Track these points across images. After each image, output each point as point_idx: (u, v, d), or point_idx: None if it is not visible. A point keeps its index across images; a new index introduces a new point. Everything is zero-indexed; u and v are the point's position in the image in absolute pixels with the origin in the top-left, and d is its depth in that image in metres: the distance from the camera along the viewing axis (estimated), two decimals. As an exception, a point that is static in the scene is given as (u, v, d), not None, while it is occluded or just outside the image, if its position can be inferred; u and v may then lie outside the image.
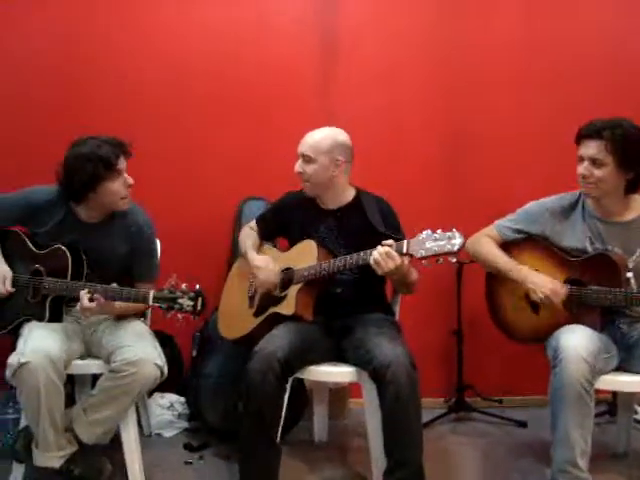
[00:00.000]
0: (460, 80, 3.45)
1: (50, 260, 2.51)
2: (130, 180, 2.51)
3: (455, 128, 3.46)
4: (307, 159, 2.60)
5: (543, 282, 2.46)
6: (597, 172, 2.40)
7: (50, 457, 2.34)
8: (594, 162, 2.40)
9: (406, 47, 3.43)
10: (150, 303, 2.34)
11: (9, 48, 3.27)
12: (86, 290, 2.38)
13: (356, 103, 3.40)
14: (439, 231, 2.17)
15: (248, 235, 2.85)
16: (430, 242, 2.17)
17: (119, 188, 2.49)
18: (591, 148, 2.40)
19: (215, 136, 3.39)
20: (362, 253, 2.35)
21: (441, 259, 2.17)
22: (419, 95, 3.44)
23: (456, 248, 2.13)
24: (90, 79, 3.31)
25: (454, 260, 2.17)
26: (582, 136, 2.43)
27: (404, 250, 2.23)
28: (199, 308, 2.30)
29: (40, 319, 2.49)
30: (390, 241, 2.29)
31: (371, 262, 2.29)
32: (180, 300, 2.28)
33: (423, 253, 2.18)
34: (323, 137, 2.62)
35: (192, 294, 2.30)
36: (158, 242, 2.80)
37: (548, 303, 2.45)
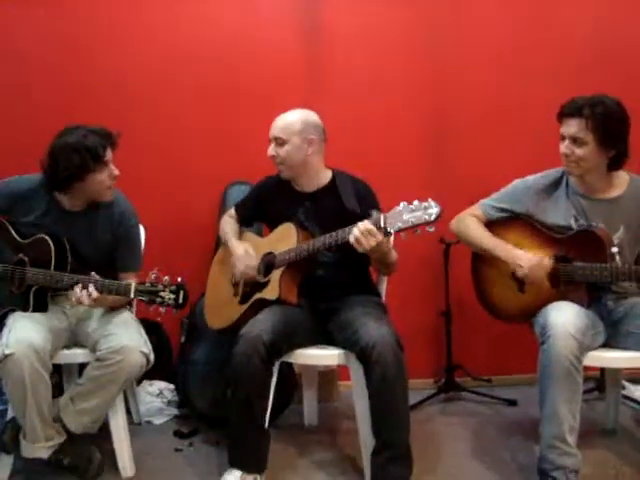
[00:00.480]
0: (443, 60, 3.43)
1: (33, 250, 2.49)
2: (116, 171, 2.49)
3: (438, 108, 3.44)
4: (279, 141, 2.60)
5: (527, 256, 2.46)
6: (578, 151, 2.39)
7: (38, 448, 2.34)
8: (575, 140, 2.39)
9: (390, 28, 3.40)
10: (132, 296, 2.31)
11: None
12: (80, 285, 2.35)
13: (341, 85, 3.37)
14: (415, 202, 2.15)
15: (227, 223, 2.84)
16: (407, 214, 2.15)
17: (104, 179, 2.47)
18: (572, 126, 2.39)
19: (198, 121, 3.35)
20: (341, 231, 2.33)
21: (419, 230, 2.15)
22: (403, 75, 3.42)
23: (433, 217, 2.12)
24: (74, 67, 3.28)
25: (432, 229, 2.14)
26: (563, 114, 2.42)
27: (381, 224, 2.21)
28: (181, 301, 2.28)
29: (24, 309, 2.46)
30: (366, 221, 2.25)
31: (351, 240, 2.26)
32: (162, 293, 2.26)
33: (401, 225, 2.16)
34: (293, 118, 2.61)
35: (174, 287, 2.27)
36: (142, 231, 2.78)
37: (533, 278, 2.44)
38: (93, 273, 2.39)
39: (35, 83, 3.26)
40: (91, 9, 3.28)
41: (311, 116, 2.65)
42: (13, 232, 2.53)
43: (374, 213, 2.26)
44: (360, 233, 2.23)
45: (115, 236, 2.59)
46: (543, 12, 3.43)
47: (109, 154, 2.46)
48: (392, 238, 2.42)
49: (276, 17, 3.39)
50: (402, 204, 2.18)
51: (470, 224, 2.64)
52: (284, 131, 2.59)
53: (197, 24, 3.34)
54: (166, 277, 2.29)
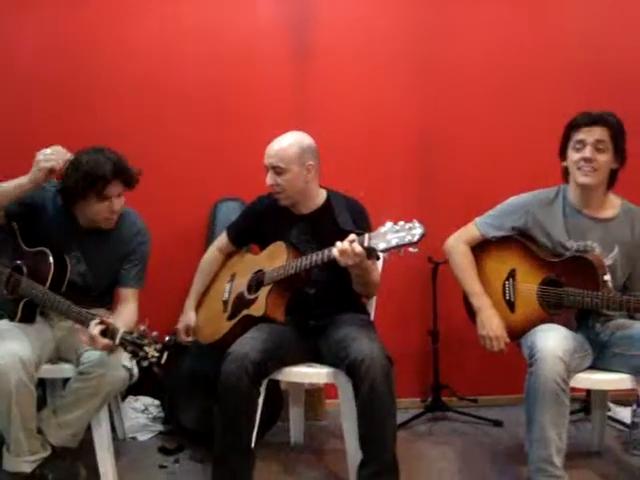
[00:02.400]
0: (435, 77, 3.44)
1: (33, 261, 2.48)
2: (116, 206, 2.47)
3: (431, 126, 3.44)
4: (278, 170, 2.55)
5: (491, 325, 2.52)
6: (600, 157, 2.42)
7: (21, 462, 2.30)
8: (599, 147, 2.42)
9: (382, 43, 3.41)
10: (117, 342, 2.19)
11: None
12: (97, 320, 2.25)
13: (331, 102, 3.38)
14: (400, 223, 2.17)
15: (208, 265, 2.87)
16: (391, 234, 2.16)
17: (102, 210, 2.46)
18: (596, 133, 2.42)
19: (187, 138, 3.34)
20: (327, 249, 2.34)
21: (402, 251, 2.16)
22: (394, 92, 3.42)
23: (416, 238, 2.12)
24: (67, 81, 3.28)
25: (415, 250, 2.15)
26: (584, 123, 2.44)
27: (365, 243, 2.22)
28: (163, 362, 2.18)
29: (11, 318, 2.44)
30: (352, 235, 2.27)
31: (335, 254, 2.27)
32: (146, 348, 2.16)
33: (385, 245, 2.16)
34: (289, 145, 2.57)
35: (160, 346, 2.18)
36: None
37: (489, 346, 2.52)
38: (76, 308, 2.33)
39: (28, 94, 3.25)
40: (82, 22, 3.28)
41: (306, 140, 2.61)
42: (19, 237, 2.53)
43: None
44: (342, 247, 2.25)
45: (128, 251, 2.59)
46: (540, 32, 3.44)
47: (114, 189, 2.44)
48: (381, 262, 2.44)
49: (264, 33, 3.38)
50: (388, 224, 2.19)
51: (461, 257, 2.66)
52: (282, 160, 2.54)
53: (185, 40, 3.33)
54: (155, 333, 2.19)
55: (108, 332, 2.21)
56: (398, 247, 2.15)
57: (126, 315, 2.52)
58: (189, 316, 2.77)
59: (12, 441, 2.28)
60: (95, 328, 2.21)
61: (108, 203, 2.45)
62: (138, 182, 2.52)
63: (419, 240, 2.13)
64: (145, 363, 2.15)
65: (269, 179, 2.58)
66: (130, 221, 2.62)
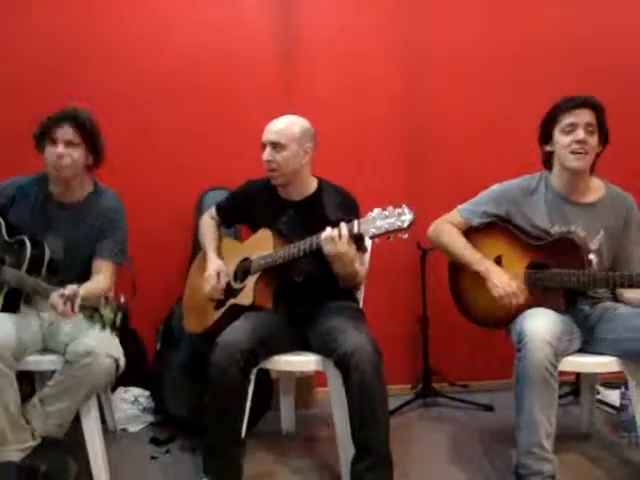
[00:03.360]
0: (423, 64, 3.45)
1: (13, 250, 2.48)
2: (59, 151, 2.46)
3: (418, 111, 3.45)
4: (277, 146, 2.54)
5: (505, 283, 2.47)
6: (591, 139, 2.43)
7: (7, 451, 2.28)
8: (589, 129, 2.42)
9: (366, 34, 3.41)
10: (75, 307, 2.22)
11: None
12: (64, 297, 2.26)
13: (318, 89, 3.38)
14: (389, 208, 2.16)
15: (207, 226, 2.81)
16: (380, 220, 2.16)
17: (50, 155, 2.48)
18: (586, 115, 2.42)
19: (173, 127, 3.34)
20: (315, 237, 2.33)
21: (392, 236, 2.16)
22: (382, 79, 3.43)
23: (406, 224, 2.12)
24: (67, 69, 3.27)
25: (405, 236, 2.15)
26: (572, 106, 2.44)
27: (355, 230, 2.22)
28: (118, 323, 2.22)
29: None
30: (342, 223, 2.27)
31: (322, 238, 2.28)
32: (102, 310, 2.20)
33: (374, 232, 2.17)
34: (291, 123, 2.57)
35: (114, 306, 2.21)
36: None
37: (507, 302, 2.46)
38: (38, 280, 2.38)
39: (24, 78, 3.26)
40: (83, 14, 3.28)
41: (306, 123, 2.61)
42: (4, 231, 2.54)
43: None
44: (330, 234, 2.25)
45: (102, 224, 2.60)
46: (524, 23, 3.45)
47: (62, 133, 2.46)
48: (368, 252, 2.43)
49: (252, 23, 3.37)
50: (376, 210, 2.18)
51: (450, 234, 2.64)
52: (284, 136, 2.54)
53: (171, 27, 3.32)
54: (110, 293, 2.24)
55: (68, 300, 2.23)
56: (388, 233, 2.15)
57: (91, 284, 2.50)
58: (217, 263, 2.66)
59: None
60: (55, 297, 2.24)
61: (55, 147, 2.47)
62: (96, 135, 2.54)
63: (409, 227, 2.13)
64: (101, 324, 2.20)
65: (266, 154, 2.56)
66: (106, 197, 2.64)
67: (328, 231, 2.27)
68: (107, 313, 2.19)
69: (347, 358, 2.24)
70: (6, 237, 2.54)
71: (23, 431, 2.31)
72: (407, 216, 2.13)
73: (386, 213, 2.16)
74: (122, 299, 2.22)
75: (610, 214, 2.51)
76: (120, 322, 2.23)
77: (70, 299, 2.22)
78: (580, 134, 2.41)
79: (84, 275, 2.55)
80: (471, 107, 3.44)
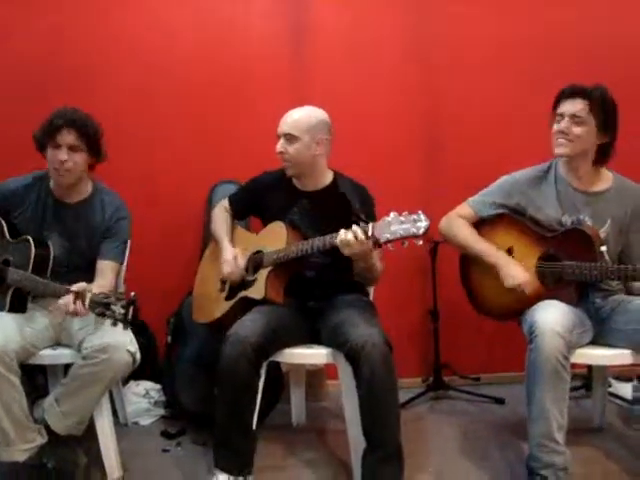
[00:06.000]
0: (435, 56, 3.43)
1: (18, 251, 2.48)
2: (60, 156, 2.45)
3: (431, 105, 3.44)
4: (290, 138, 2.54)
5: (519, 273, 2.46)
6: (575, 129, 2.43)
7: (13, 451, 2.29)
8: (575, 120, 2.42)
9: (380, 29, 3.39)
10: (86, 305, 2.22)
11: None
12: (72, 296, 2.27)
13: (330, 81, 3.36)
14: (405, 213, 2.14)
15: (222, 218, 2.80)
16: (395, 225, 2.14)
17: (52, 159, 2.48)
18: (576, 105, 2.43)
19: (184, 121, 3.34)
20: (329, 236, 2.33)
21: (406, 242, 2.14)
22: (395, 72, 3.42)
23: (421, 231, 2.11)
24: (68, 63, 3.27)
25: (420, 243, 2.14)
26: (566, 95, 2.45)
27: (369, 233, 2.20)
28: (129, 317, 2.20)
29: (0, 309, 2.45)
30: (355, 227, 2.25)
31: (337, 243, 2.27)
32: (113, 307, 2.19)
33: (389, 237, 2.15)
34: (305, 115, 2.57)
35: (125, 302, 2.19)
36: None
37: (520, 291, 2.45)
38: (42, 279, 2.39)
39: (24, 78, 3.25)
40: (87, 9, 3.28)
41: (322, 114, 2.60)
42: (6, 231, 2.55)
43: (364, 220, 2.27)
44: (346, 236, 2.24)
45: (104, 229, 2.59)
46: (542, 13, 3.43)
47: (65, 137, 2.45)
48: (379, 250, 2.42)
49: (264, 16, 3.37)
50: (392, 214, 2.16)
51: (461, 227, 2.64)
52: (295, 128, 2.54)
53: (183, 23, 3.32)
54: (121, 290, 2.22)
55: (77, 298, 2.24)
56: (402, 239, 2.14)
57: (98, 286, 2.48)
58: (230, 250, 2.65)
59: (0, 432, 2.27)
60: (64, 297, 2.25)
61: (58, 151, 2.46)
62: (99, 139, 2.53)
63: (424, 234, 2.11)
64: (113, 320, 2.18)
65: (279, 146, 2.57)
66: (109, 199, 2.63)
67: (342, 235, 2.25)
68: (118, 309, 2.19)
69: (358, 351, 2.23)
70: (9, 238, 2.53)
71: (29, 431, 2.31)
72: (423, 223, 2.11)
73: (402, 218, 2.14)
74: (132, 294, 2.21)
75: (618, 205, 2.50)
76: (132, 317, 2.23)
77: (80, 297, 2.22)
78: (562, 124, 2.44)
79: (87, 275, 2.56)
80: (488, 99, 3.43)
